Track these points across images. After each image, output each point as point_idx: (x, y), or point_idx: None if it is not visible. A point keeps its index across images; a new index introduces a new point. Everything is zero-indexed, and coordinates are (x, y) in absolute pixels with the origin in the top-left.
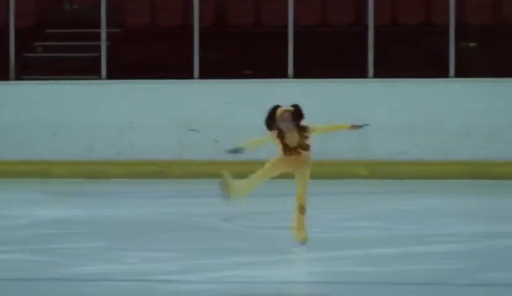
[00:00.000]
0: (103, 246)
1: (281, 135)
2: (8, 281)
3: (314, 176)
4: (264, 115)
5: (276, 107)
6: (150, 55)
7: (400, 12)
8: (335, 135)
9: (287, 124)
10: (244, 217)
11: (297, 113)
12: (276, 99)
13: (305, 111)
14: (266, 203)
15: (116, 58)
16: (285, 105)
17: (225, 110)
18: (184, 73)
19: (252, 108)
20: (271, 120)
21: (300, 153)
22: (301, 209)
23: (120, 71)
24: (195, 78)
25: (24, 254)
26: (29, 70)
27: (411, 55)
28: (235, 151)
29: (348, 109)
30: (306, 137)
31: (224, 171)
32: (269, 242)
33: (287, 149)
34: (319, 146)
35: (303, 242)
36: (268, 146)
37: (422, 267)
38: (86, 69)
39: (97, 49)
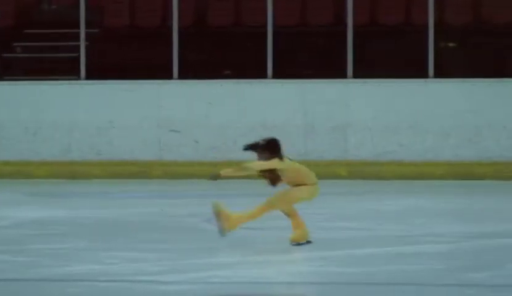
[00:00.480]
0: (84, 246)
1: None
2: None
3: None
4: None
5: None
6: (129, 56)
7: (379, 11)
8: (316, 136)
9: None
10: None
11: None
12: (256, 99)
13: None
14: (247, 204)
15: (96, 58)
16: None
17: (205, 110)
18: (164, 73)
19: (232, 108)
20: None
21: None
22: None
23: (99, 71)
24: (174, 78)
25: (4, 255)
26: (9, 71)
27: (391, 55)
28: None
29: (328, 109)
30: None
31: (214, 201)
32: (251, 242)
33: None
34: (300, 146)
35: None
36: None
37: (405, 267)
38: (65, 70)
39: (76, 49)
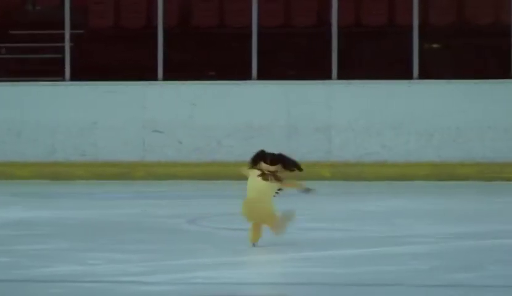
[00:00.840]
0: (67, 247)
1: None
2: None
3: None
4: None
5: (263, 152)
6: (114, 57)
7: (363, 12)
8: (299, 136)
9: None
10: (208, 219)
11: (284, 165)
12: (240, 100)
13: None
14: (230, 204)
15: (80, 59)
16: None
17: (189, 111)
18: (148, 74)
19: (216, 109)
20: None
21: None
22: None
23: (84, 72)
24: (159, 79)
25: None
26: None
27: (375, 56)
28: None
29: (312, 110)
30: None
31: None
32: (234, 243)
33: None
34: (283, 147)
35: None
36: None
37: (388, 268)
38: (49, 71)
39: (61, 50)
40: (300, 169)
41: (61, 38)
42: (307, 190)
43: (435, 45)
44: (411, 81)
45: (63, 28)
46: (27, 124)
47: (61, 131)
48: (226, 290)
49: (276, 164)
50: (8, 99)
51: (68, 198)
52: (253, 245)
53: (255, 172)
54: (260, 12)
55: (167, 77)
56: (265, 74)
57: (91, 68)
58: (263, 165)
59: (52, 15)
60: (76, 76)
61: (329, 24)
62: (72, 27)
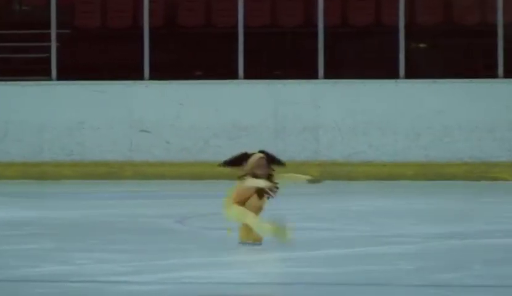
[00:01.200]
0: (54, 247)
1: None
2: None
3: None
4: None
5: (246, 154)
6: (100, 56)
7: (349, 12)
8: (286, 136)
9: (263, 170)
10: (196, 218)
11: (271, 159)
12: (227, 100)
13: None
14: (218, 204)
15: (67, 59)
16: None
17: (176, 110)
18: (135, 73)
19: (203, 109)
20: (237, 163)
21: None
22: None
23: (70, 72)
24: (145, 79)
25: None
26: None
27: (361, 56)
28: None
29: (299, 110)
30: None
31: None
32: (222, 242)
33: (261, 192)
34: (271, 147)
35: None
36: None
37: (375, 268)
38: (36, 70)
39: (47, 49)
40: (282, 164)
41: (48, 38)
42: (313, 181)
43: (421, 45)
44: (398, 80)
45: (49, 27)
46: (13, 124)
47: (48, 131)
48: (215, 289)
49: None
50: None
51: (55, 198)
52: (241, 243)
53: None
54: (246, 12)
55: (153, 76)
56: (252, 73)
57: (78, 67)
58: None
59: (39, 15)
60: (63, 75)
61: (316, 24)
62: (58, 26)
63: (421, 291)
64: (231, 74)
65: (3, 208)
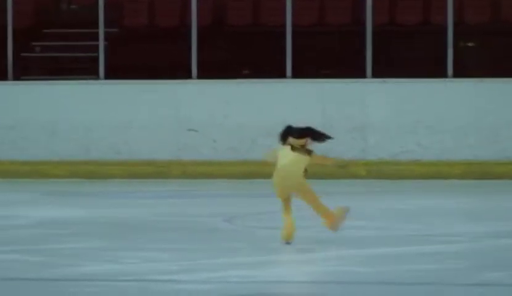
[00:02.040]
0: (101, 246)
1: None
2: (4, 281)
3: (310, 176)
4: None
5: (290, 127)
6: (148, 55)
7: (398, 11)
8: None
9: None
10: (243, 218)
11: (318, 135)
12: (274, 99)
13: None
14: (265, 203)
15: (114, 58)
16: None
17: (223, 109)
18: (182, 72)
19: (250, 107)
20: (285, 138)
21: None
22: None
23: (118, 71)
24: (193, 78)
25: (22, 254)
26: (28, 70)
27: (410, 55)
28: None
29: (347, 109)
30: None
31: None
32: (269, 242)
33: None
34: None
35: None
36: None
37: (423, 267)
38: (84, 70)
39: (95, 48)
40: (329, 137)
41: (96, 37)
42: (341, 165)
43: (469, 44)
44: (446, 79)
45: (97, 26)
46: (61, 123)
47: (96, 130)
48: (260, 289)
49: (304, 137)
50: (43, 98)
51: (103, 197)
52: (287, 243)
53: (284, 149)
54: (294, 11)
55: (201, 76)
56: (299, 72)
57: (126, 66)
58: (291, 140)
59: (87, 14)
60: (111, 74)
61: (364, 23)
62: (106, 26)
63: (470, 290)
64: (279, 74)
65: (51, 207)
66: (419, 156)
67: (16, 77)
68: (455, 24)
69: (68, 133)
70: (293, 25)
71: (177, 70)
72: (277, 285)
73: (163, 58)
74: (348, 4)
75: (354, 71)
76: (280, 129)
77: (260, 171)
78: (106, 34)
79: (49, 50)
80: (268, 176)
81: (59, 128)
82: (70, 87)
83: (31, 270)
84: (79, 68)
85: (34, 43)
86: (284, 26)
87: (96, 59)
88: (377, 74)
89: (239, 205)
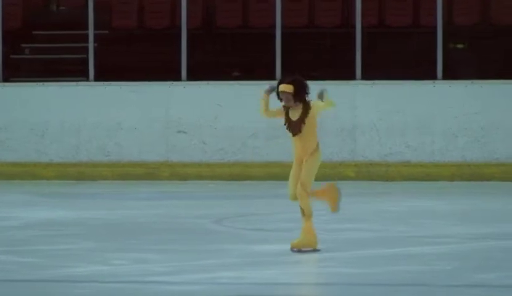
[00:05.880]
0: (92, 248)
1: (286, 110)
2: None
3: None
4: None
5: (280, 82)
6: (137, 57)
7: (387, 13)
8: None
9: (289, 103)
10: (233, 219)
11: (296, 91)
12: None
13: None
14: (254, 204)
15: (104, 59)
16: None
17: (213, 111)
18: (172, 74)
19: (240, 109)
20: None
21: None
22: (301, 211)
23: (108, 72)
24: (183, 80)
25: (12, 255)
26: (17, 72)
27: (399, 57)
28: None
29: (336, 111)
30: (308, 112)
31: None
32: (258, 243)
33: (290, 123)
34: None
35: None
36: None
37: (413, 268)
38: (73, 71)
39: (85, 50)
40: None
41: (85, 38)
42: (321, 95)
43: (459, 46)
44: (435, 81)
45: (87, 28)
46: (51, 125)
47: (86, 131)
48: (249, 290)
49: (291, 84)
50: (33, 99)
51: (92, 199)
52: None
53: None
54: (283, 13)
55: (191, 77)
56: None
57: (115, 68)
58: (281, 86)
59: (76, 16)
60: (100, 76)
61: (353, 25)
62: (96, 27)
63: (459, 291)
64: (269, 75)
65: (41, 209)
66: (408, 158)
67: (6, 79)
68: (444, 26)
69: (58, 135)
70: (283, 27)
71: (167, 72)
72: (267, 286)
73: (152, 60)
74: (338, 6)
75: (343, 72)
76: (269, 131)
77: (249, 173)
78: (95, 35)
79: (38, 51)
80: (257, 177)
81: (49, 130)
82: (60, 88)
83: (20, 271)
84: (68, 69)
85: (23, 45)
86: (273, 27)
87: (86, 61)
88: (366, 76)
89: (228, 206)
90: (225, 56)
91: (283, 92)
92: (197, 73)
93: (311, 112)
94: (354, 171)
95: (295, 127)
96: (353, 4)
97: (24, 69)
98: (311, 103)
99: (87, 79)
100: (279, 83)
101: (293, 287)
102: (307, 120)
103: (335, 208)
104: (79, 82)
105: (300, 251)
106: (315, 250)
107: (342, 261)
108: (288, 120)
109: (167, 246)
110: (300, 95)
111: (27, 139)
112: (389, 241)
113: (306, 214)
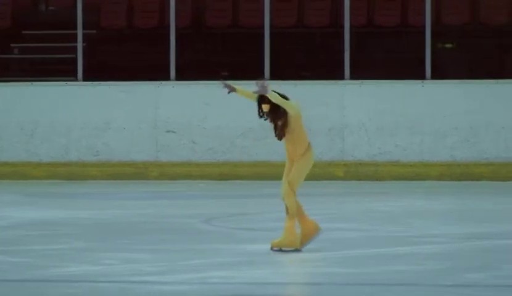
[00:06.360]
0: (82, 247)
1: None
2: None
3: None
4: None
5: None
6: (126, 57)
7: (376, 13)
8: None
9: (271, 119)
10: (222, 219)
11: (271, 109)
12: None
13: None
14: (243, 204)
15: (93, 59)
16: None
17: (202, 111)
18: (161, 74)
19: (229, 109)
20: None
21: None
22: (286, 209)
23: (96, 72)
24: (172, 79)
25: (2, 255)
26: (6, 72)
27: (388, 57)
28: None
29: (325, 110)
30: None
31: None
32: (248, 243)
33: (275, 128)
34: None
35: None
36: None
37: (402, 268)
38: (62, 71)
39: (74, 50)
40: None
41: (74, 38)
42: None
43: (448, 45)
44: (424, 80)
45: (75, 28)
46: (40, 124)
47: (75, 131)
48: (240, 289)
49: (264, 101)
50: (22, 99)
51: (82, 199)
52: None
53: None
54: (272, 12)
55: (180, 77)
56: (278, 74)
57: (104, 68)
58: (263, 106)
59: (65, 15)
60: (89, 76)
61: (342, 25)
62: (84, 27)
63: (450, 291)
64: (258, 75)
65: (31, 209)
66: (398, 157)
67: None
68: (433, 26)
69: (47, 134)
70: (272, 27)
71: (156, 71)
72: (257, 286)
73: (141, 60)
74: (327, 6)
75: (332, 72)
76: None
77: (239, 172)
78: (84, 35)
79: (27, 51)
80: (246, 177)
81: (38, 129)
82: (49, 88)
83: (11, 271)
84: (57, 69)
85: (12, 44)
86: (262, 27)
87: (75, 60)
88: (355, 75)
89: (217, 206)
90: (214, 56)
91: (264, 112)
92: (186, 73)
93: (289, 117)
94: (343, 170)
95: (278, 134)
96: (342, 4)
97: (14, 69)
98: (282, 108)
99: (76, 79)
100: (259, 101)
101: (284, 287)
102: (288, 124)
103: (301, 244)
104: (68, 82)
105: (280, 250)
106: (296, 250)
107: (332, 261)
108: (267, 116)
109: (158, 246)
110: (276, 113)
111: (16, 139)
112: (378, 241)
113: (290, 213)
